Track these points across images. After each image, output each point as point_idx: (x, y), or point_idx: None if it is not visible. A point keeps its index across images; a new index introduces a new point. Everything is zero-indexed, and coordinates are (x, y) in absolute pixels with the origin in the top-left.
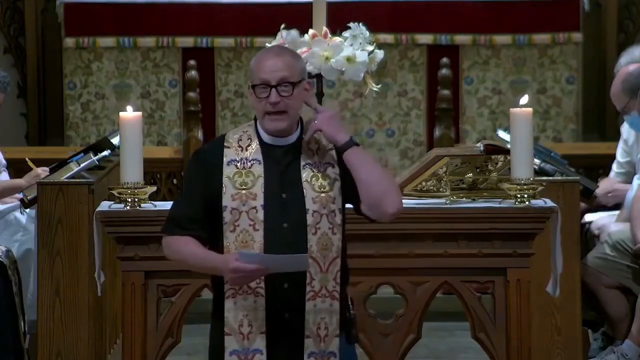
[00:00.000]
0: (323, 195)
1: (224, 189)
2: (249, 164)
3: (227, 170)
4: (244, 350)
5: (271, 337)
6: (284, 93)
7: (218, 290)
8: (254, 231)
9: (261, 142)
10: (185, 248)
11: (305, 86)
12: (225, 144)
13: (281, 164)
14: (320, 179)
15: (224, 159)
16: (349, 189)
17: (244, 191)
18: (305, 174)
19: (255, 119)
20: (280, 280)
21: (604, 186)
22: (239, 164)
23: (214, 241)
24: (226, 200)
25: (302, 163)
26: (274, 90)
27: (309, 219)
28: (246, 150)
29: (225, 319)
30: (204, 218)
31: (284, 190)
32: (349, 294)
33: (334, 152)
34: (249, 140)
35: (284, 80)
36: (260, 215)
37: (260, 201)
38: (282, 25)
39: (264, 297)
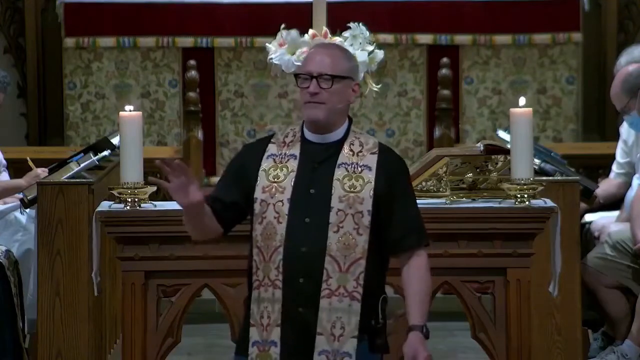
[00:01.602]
0: (352, 195)
1: (258, 181)
2: (286, 158)
3: (265, 164)
4: (262, 341)
5: (286, 330)
6: (323, 85)
7: (249, 283)
8: (278, 224)
9: (303, 139)
10: None
11: (353, 86)
12: (272, 139)
13: (316, 160)
14: (352, 179)
15: (265, 153)
16: (382, 214)
17: (274, 184)
18: (339, 173)
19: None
20: (297, 274)
21: (604, 186)
22: (276, 159)
23: (249, 243)
24: (257, 193)
25: (339, 162)
26: (314, 80)
27: (332, 217)
28: (288, 146)
29: (251, 310)
30: (230, 202)
31: (313, 186)
32: (382, 304)
33: (375, 157)
34: (293, 137)
35: (325, 72)
36: (285, 208)
37: (287, 195)
38: (282, 25)
39: (281, 289)
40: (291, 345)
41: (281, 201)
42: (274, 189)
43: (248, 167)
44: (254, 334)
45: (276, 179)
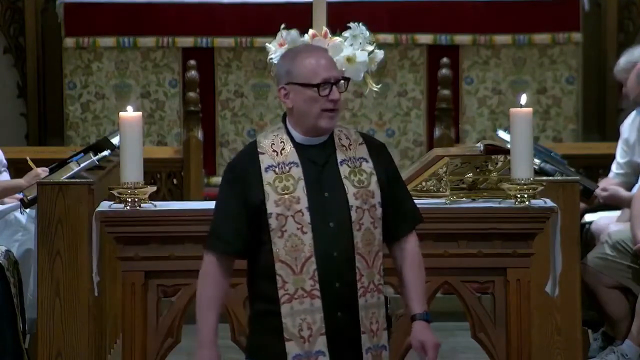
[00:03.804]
0: (363, 190)
1: (267, 196)
2: (287, 167)
3: (267, 177)
4: (306, 353)
5: (331, 337)
6: (340, 89)
7: (258, 297)
8: (303, 234)
9: (295, 144)
10: (205, 290)
11: None
12: (258, 150)
13: (318, 164)
14: (357, 174)
15: (261, 166)
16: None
17: (286, 196)
18: (344, 171)
19: (285, 121)
20: (332, 280)
21: (604, 186)
22: (277, 169)
23: (255, 252)
24: (270, 207)
25: (339, 160)
26: (334, 87)
27: (353, 215)
28: (281, 154)
29: (283, 324)
30: (247, 233)
31: (325, 189)
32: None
33: (365, 147)
34: (282, 143)
35: (340, 78)
36: (307, 217)
37: (304, 204)
38: (282, 25)
39: (320, 298)
40: (337, 351)
41: (300, 211)
42: (287, 201)
43: (250, 185)
44: (292, 348)
45: (286, 190)
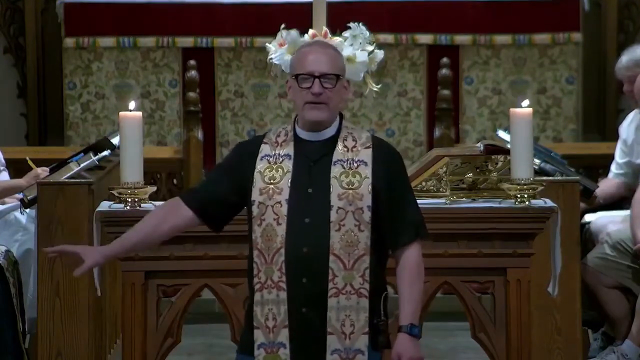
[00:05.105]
0: (350, 192)
1: (254, 183)
2: (280, 159)
3: (260, 165)
4: (270, 343)
5: (293, 331)
6: (327, 85)
7: (250, 286)
8: (277, 225)
9: (296, 138)
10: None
11: (345, 84)
12: (264, 140)
13: (312, 159)
14: (350, 176)
15: (259, 154)
16: (382, 211)
17: (271, 185)
18: (335, 170)
19: (296, 118)
20: (299, 274)
21: (603, 186)
22: (271, 159)
23: (250, 242)
24: (255, 195)
25: (334, 159)
26: (317, 80)
27: (333, 215)
28: (280, 146)
29: (254, 312)
30: (214, 200)
31: (311, 185)
32: (383, 302)
33: (370, 151)
34: (286, 136)
35: (328, 72)
36: (284, 209)
37: (285, 196)
38: (282, 25)
39: (285, 291)
40: (300, 346)
41: (279, 202)
42: (271, 191)
43: (243, 164)
44: (259, 336)
45: (272, 180)
